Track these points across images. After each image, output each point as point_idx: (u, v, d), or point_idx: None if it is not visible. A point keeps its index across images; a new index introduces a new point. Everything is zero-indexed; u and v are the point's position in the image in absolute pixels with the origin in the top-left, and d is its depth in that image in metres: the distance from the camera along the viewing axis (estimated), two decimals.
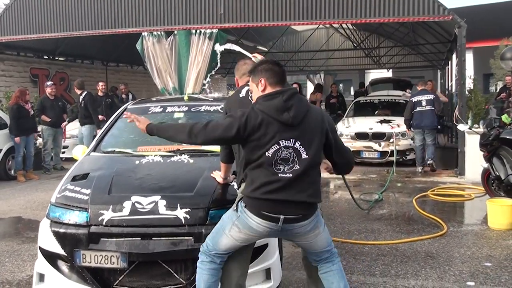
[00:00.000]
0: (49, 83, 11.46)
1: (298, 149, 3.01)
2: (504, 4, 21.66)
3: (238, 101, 3.62)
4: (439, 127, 11.59)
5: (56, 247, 3.73)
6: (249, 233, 3.13)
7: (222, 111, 5.01)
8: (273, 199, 2.99)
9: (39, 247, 3.90)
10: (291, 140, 3.01)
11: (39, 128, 11.07)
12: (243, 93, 3.66)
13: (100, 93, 12.05)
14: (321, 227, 3.22)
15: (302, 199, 3.02)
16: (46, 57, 16.45)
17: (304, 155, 3.02)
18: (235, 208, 3.19)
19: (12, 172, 10.28)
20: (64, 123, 11.35)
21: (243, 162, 3.13)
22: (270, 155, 3.00)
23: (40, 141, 11.22)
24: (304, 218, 3.07)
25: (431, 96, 10.28)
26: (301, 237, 3.17)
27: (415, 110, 10.22)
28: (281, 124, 3.01)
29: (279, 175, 3.00)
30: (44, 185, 9.36)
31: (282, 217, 3.00)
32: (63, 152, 11.75)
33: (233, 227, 3.16)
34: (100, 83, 12.31)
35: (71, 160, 11.14)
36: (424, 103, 10.16)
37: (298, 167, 3.01)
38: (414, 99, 10.37)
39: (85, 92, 11.29)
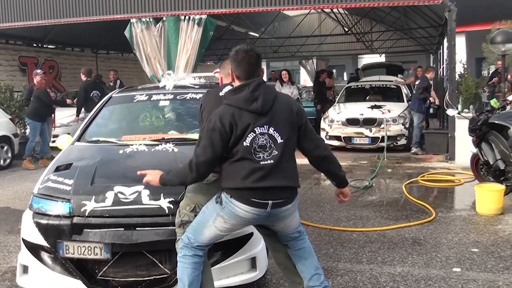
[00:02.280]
0: (38, 71, 11.34)
1: (273, 134, 3.07)
2: None
3: (217, 99, 3.46)
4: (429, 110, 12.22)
5: (39, 239, 3.70)
6: (235, 223, 3.14)
7: None
8: (261, 187, 3.03)
9: (22, 238, 3.88)
10: (265, 126, 3.06)
11: (26, 119, 10.97)
12: (223, 91, 3.55)
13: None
14: (296, 210, 3.31)
15: (286, 183, 3.11)
16: (35, 45, 16.29)
17: (279, 140, 3.09)
18: (219, 200, 3.16)
19: (1, 162, 10.20)
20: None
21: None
22: (248, 144, 3.03)
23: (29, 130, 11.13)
24: (289, 201, 3.15)
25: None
26: (282, 221, 3.21)
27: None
28: (252, 113, 3.04)
29: (261, 163, 3.04)
30: (33, 175, 9.26)
31: (270, 202, 3.05)
32: (53, 142, 11.66)
33: (217, 218, 3.15)
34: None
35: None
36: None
37: (276, 152, 3.07)
38: None
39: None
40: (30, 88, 11.07)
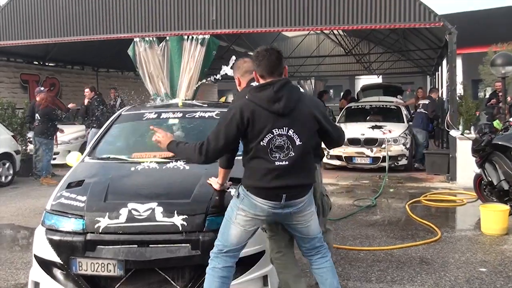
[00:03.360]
0: (42, 88, 11.40)
1: (292, 136, 3.15)
2: (492, 10, 21.89)
3: None
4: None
5: (51, 255, 3.69)
6: (255, 215, 3.24)
7: (217, 117, 5.03)
8: (274, 186, 3.15)
9: (34, 255, 3.86)
10: (284, 128, 3.14)
11: (30, 134, 10.99)
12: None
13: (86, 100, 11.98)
14: (314, 206, 3.41)
15: (300, 182, 3.22)
16: (36, 62, 16.36)
17: (298, 142, 3.16)
18: (237, 194, 3.29)
19: (3, 178, 10.18)
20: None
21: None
22: (265, 144, 3.12)
23: (31, 147, 11.13)
24: (304, 193, 3.26)
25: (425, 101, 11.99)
26: (300, 215, 3.29)
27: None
28: (272, 114, 3.12)
29: (276, 163, 3.13)
30: (36, 192, 9.27)
31: (284, 195, 3.16)
32: (54, 159, 11.66)
33: (238, 213, 3.25)
34: (86, 90, 12.23)
35: (63, 166, 11.20)
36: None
37: (293, 154, 3.15)
38: None
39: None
40: (33, 105, 11.11)
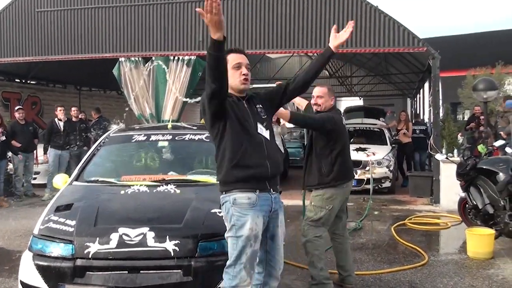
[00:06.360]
0: (17, 107, 11.32)
1: None
2: (469, 36, 22.44)
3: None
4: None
5: (39, 281, 3.61)
6: None
7: (206, 140, 5.02)
8: None
9: (21, 281, 3.76)
10: None
11: (9, 154, 10.79)
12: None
13: (73, 119, 11.83)
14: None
15: None
16: (18, 80, 16.18)
17: None
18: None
19: None
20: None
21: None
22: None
23: (11, 167, 10.92)
24: None
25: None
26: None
27: None
28: None
29: None
30: (16, 213, 9.06)
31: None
32: (35, 178, 11.47)
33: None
34: (73, 108, 12.09)
35: (43, 186, 11.00)
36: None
37: None
38: None
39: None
40: (12, 124, 10.99)
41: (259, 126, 3.27)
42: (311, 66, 3.55)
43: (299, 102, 5.21)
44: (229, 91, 3.21)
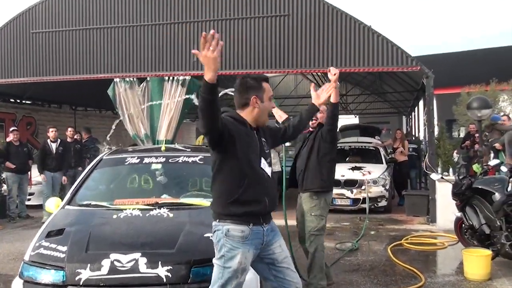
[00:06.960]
0: (11, 129, 11.29)
1: None
2: (464, 53, 22.61)
3: None
4: None
5: None
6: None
7: (200, 162, 4.99)
8: None
9: None
10: None
11: (3, 175, 10.72)
12: None
13: (68, 139, 11.79)
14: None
15: None
16: (13, 100, 16.15)
17: None
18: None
19: None
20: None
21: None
22: None
23: (5, 188, 10.84)
24: None
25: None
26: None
27: None
28: None
29: None
30: (9, 235, 8.97)
31: None
32: (29, 199, 11.38)
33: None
34: (69, 129, 12.07)
35: (38, 207, 10.91)
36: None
37: None
38: None
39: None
40: (7, 145, 10.94)
41: (263, 161, 3.19)
42: (301, 118, 3.82)
43: (280, 115, 5.18)
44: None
